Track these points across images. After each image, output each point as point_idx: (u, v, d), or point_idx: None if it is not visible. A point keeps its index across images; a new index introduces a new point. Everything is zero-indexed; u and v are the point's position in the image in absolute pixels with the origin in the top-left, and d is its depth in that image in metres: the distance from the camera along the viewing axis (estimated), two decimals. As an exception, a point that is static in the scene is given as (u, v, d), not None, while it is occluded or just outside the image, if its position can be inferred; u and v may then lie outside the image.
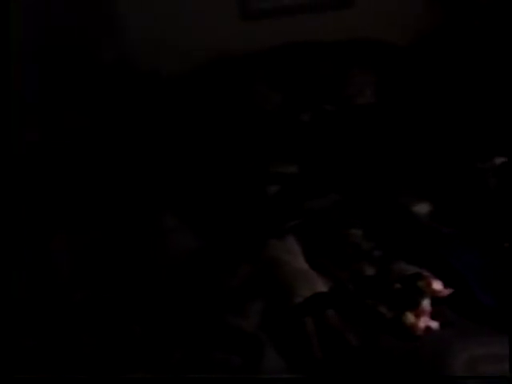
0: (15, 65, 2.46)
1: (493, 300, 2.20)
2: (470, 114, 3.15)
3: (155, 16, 3.53)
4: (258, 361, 2.12)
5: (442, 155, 3.00)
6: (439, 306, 2.20)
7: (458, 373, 1.93)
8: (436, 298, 2.21)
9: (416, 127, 3.23)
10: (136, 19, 3.51)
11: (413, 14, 3.71)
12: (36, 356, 2.18)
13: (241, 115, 3.41)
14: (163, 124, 3.32)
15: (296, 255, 2.57)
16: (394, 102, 3.46)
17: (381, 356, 2.09)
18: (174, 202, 2.97)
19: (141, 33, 3.51)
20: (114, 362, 2.17)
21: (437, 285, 2.23)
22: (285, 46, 3.63)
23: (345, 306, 2.27)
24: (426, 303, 2.17)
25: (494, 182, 2.71)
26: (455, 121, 3.16)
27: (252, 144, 3.28)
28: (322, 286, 2.36)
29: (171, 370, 2.13)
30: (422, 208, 2.77)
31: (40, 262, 2.55)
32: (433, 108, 3.29)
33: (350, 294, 2.33)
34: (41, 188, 2.75)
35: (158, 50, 3.51)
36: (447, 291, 2.23)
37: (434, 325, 2.13)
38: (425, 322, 2.13)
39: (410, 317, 2.13)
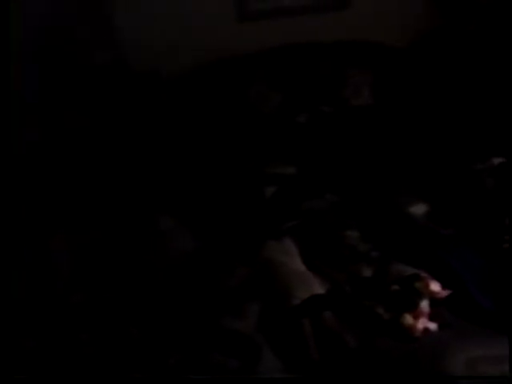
0: (15, 65, 2.46)
1: (491, 301, 2.21)
2: (468, 115, 3.16)
3: (154, 17, 3.52)
4: (255, 362, 2.12)
5: (439, 156, 3.00)
6: (437, 308, 2.20)
7: (456, 374, 1.94)
8: (434, 300, 2.21)
9: (413, 128, 3.24)
10: (135, 19, 3.50)
11: (411, 16, 3.71)
12: (35, 356, 2.18)
13: (238, 116, 3.41)
14: (162, 125, 3.31)
15: (293, 256, 2.56)
16: (392, 104, 3.46)
17: (378, 357, 2.09)
18: (171, 203, 2.96)
19: (140, 33, 3.50)
20: (112, 364, 2.17)
21: (435, 286, 2.23)
22: (283, 47, 3.62)
23: (342, 307, 2.27)
24: (424, 304, 2.17)
25: (492, 182, 2.71)
26: (452, 122, 3.16)
27: (250, 145, 3.28)
28: (319, 288, 2.35)
29: (169, 371, 2.13)
30: (419, 209, 2.76)
31: (39, 263, 2.55)
32: (430, 109, 3.30)
33: (347, 295, 2.33)
34: (40, 188, 2.75)
35: (156, 50, 3.50)
36: (445, 292, 2.23)
37: (432, 326, 2.14)
38: (423, 323, 2.13)
39: (408, 318, 2.13)
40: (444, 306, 2.22)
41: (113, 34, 3.41)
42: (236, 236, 2.75)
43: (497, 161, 2.78)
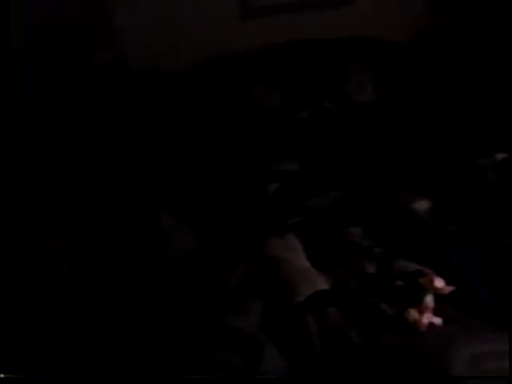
0: (15, 65, 2.46)
1: (494, 297, 2.20)
2: (470, 111, 3.15)
3: (155, 15, 3.51)
4: (257, 361, 2.12)
5: (442, 152, 3.00)
6: (441, 304, 2.19)
7: (461, 370, 1.93)
8: (438, 296, 2.20)
9: (416, 124, 3.23)
10: (135, 19, 3.50)
11: (412, 12, 3.71)
12: (36, 356, 2.17)
13: (241, 113, 3.41)
14: (163, 123, 3.31)
15: (297, 253, 2.56)
16: (394, 100, 3.45)
17: (383, 353, 2.08)
18: (173, 200, 2.96)
19: (140, 32, 3.49)
20: (114, 362, 2.16)
21: (438, 282, 2.22)
22: (285, 43, 3.62)
23: (346, 303, 2.26)
24: (428, 299, 2.16)
25: (494, 178, 2.70)
26: (455, 117, 3.15)
27: (252, 142, 3.28)
28: (323, 284, 2.35)
29: (171, 370, 2.13)
30: (422, 205, 2.76)
31: (40, 263, 2.55)
32: (433, 105, 3.29)
33: (351, 291, 2.33)
34: (40, 188, 2.74)
35: (158, 48, 3.49)
36: (449, 288, 2.22)
37: (437, 321, 2.13)
38: (428, 318, 2.12)
39: (413, 313, 2.12)
40: (448, 302, 2.21)
41: (113, 33, 3.40)
42: (238, 233, 2.74)
43: (500, 156, 2.77)
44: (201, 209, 2.92)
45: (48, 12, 3.03)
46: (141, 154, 3.13)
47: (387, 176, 2.98)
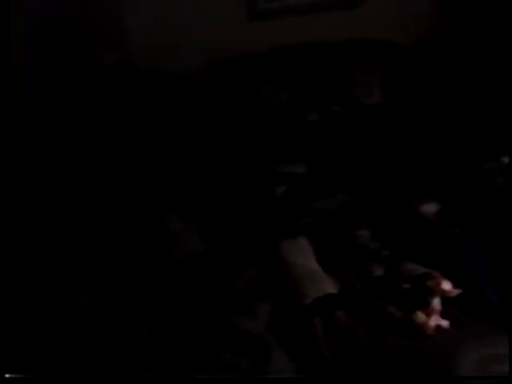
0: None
1: (502, 300, 2.20)
2: (478, 114, 3.15)
3: (163, 16, 3.52)
4: (265, 363, 2.12)
5: (450, 155, 2.99)
6: (448, 306, 2.19)
7: (468, 372, 1.93)
8: (445, 298, 2.20)
9: (423, 127, 3.22)
10: (143, 19, 3.50)
11: (419, 14, 3.70)
12: (42, 357, 2.18)
13: (248, 115, 3.40)
14: (170, 124, 3.31)
15: (307, 255, 2.56)
16: (402, 102, 3.45)
17: (390, 356, 2.08)
18: (181, 203, 2.96)
19: (148, 33, 3.50)
20: (122, 363, 2.17)
21: (446, 285, 2.22)
22: (292, 46, 3.62)
23: (354, 306, 2.27)
24: (436, 302, 2.16)
25: (502, 181, 2.70)
26: (462, 120, 3.15)
27: (259, 144, 3.28)
28: (331, 287, 2.35)
29: (178, 371, 2.13)
30: (430, 208, 2.76)
31: (47, 264, 2.55)
32: (440, 108, 3.28)
33: (359, 294, 2.33)
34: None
35: (165, 49, 3.49)
36: (456, 291, 2.22)
37: (445, 323, 2.13)
38: (435, 320, 2.12)
39: (420, 316, 2.12)
40: (455, 305, 2.21)
41: (120, 33, 3.40)
42: (246, 235, 2.74)
43: (507, 159, 2.76)
44: (208, 211, 2.92)
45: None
46: (148, 156, 3.13)
47: (395, 179, 2.97)
